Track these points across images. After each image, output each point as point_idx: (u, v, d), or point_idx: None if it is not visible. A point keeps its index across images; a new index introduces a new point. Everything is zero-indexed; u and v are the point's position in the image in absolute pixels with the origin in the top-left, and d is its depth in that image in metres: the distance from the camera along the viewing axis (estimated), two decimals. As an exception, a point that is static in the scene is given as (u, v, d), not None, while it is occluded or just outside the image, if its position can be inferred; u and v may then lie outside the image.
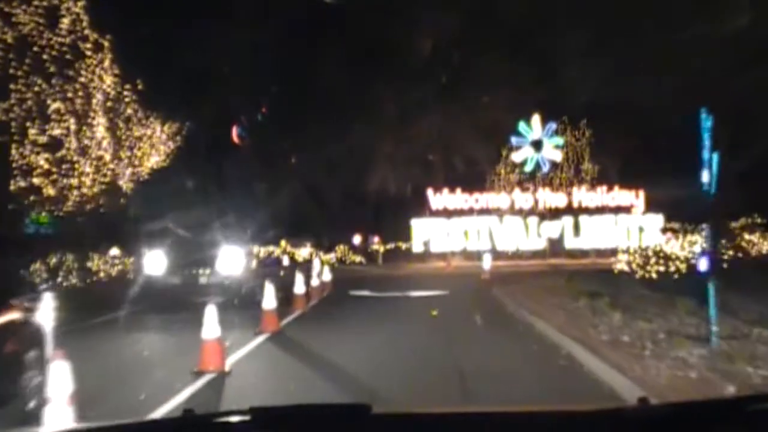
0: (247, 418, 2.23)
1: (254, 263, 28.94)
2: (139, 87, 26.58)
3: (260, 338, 11.76)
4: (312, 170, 40.10)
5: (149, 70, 29.38)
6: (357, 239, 42.36)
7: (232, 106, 42.24)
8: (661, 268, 21.04)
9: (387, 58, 35.64)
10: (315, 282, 19.77)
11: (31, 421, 6.01)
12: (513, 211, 35.79)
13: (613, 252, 35.56)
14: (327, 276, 22.58)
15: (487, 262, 26.82)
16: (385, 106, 36.51)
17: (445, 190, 35.34)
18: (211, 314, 9.03)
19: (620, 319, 11.84)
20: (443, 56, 36.03)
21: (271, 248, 45.11)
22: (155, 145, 27.40)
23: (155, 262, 19.55)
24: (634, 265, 21.43)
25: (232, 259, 19.95)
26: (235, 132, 45.40)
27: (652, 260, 21.86)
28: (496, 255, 35.06)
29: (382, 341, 11.63)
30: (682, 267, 20.53)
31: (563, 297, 16.09)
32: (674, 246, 22.53)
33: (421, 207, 35.75)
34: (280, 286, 14.33)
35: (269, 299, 12.58)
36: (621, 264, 21.46)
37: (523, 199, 35.73)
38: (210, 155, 42.44)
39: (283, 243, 45.17)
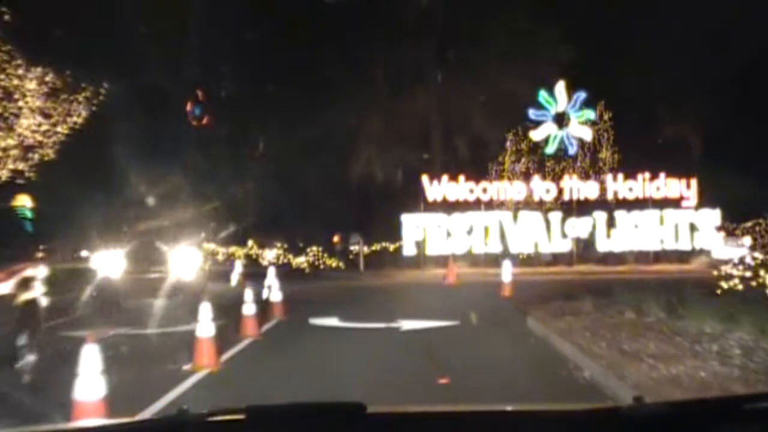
0: (242, 416, 2.23)
1: (208, 267, 22.73)
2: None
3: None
4: (284, 156, 32.62)
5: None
6: (336, 239, 34.87)
7: (187, 79, 34.95)
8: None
9: (372, 14, 28.25)
10: (248, 308, 12.34)
11: None
12: (531, 204, 28.33)
13: (656, 256, 28.41)
14: (276, 295, 15.35)
15: (507, 273, 19.42)
16: (371, 74, 28.99)
17: (445, 178, 27.85)
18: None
19: None
20: (442, 10, 28.65)
21: (233, 249, 37.73)
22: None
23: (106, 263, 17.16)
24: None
25: (184, 262, 17.81)
26: (189, 110, 38.30)
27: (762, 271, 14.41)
28: (509, 258, 27.69)
29: None
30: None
31: (690, 345, 8.71)
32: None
33: (415, 199, 28.29)
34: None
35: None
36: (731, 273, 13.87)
37: (543, 188, 28.26)
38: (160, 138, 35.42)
39: (250, 242, 37.95)
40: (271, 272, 18.39)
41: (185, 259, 17.93)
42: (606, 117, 28.64)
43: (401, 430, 2.34)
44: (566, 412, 2.44)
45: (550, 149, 28.34)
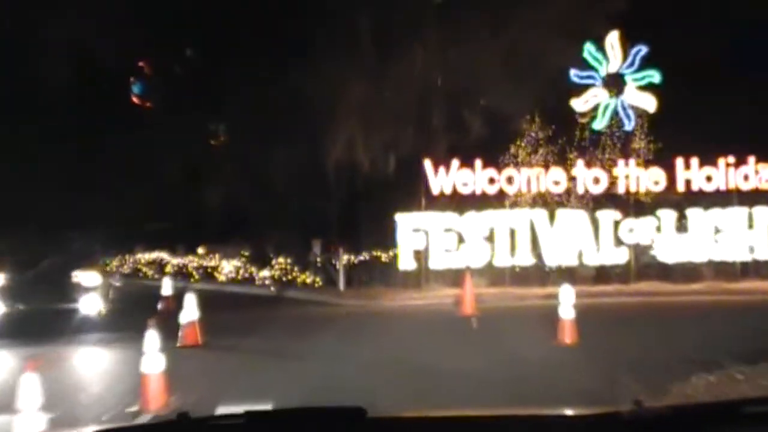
0: (242, 421, 2.24)
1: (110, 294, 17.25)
2: None
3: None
4: (250, 141, 25.11)
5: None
6: (317, 247, 27.24)
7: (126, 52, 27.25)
8: None
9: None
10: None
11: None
12: (574, 199, 20.77)
13: (744, 270, 20.80)
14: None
15: (567, 304, 11.94)
16: (352, 27, 21.38)
17: (455, 163, 20.24)
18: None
19: None
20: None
21: (177, 261, 30.23)
22: None
23: None
24: None
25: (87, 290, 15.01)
26: (132, 87, 31.22)
27: None
28: (544, 274, 20.18)
29: None
30: None
31: None
32: None
33: (413, 192, 20.74)
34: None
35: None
36: None
37: (590, 177, 20.65)
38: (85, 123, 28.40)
39: (200, 251, 30.58)
40: (190, 300, 12.75)
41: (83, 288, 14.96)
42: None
43: None
44: (567, 416, 2.39)
45: (599, 123, 20.70)
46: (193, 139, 27.96)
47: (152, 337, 8.20)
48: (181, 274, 29.22)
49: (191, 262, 29.69)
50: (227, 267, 27.33)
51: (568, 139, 21.08)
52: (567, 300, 11.91)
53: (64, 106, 28.33)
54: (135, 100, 30.66)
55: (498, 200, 20.51)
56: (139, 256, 32.74)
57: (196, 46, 28.67)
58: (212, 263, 28.62)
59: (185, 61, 29.20)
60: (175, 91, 29.03)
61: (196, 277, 28.38)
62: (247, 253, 29.21)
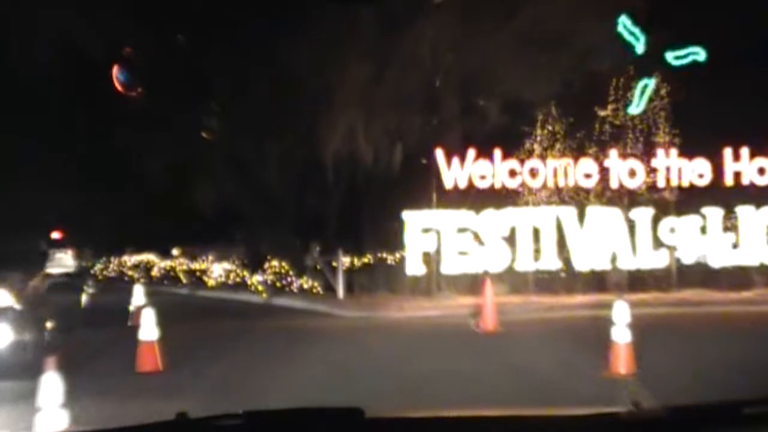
0: (240, 421, 2.24)
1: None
2: None
3: None
4: (239, 132, 22.59)
5: None
6: (315, 248, 24.70)
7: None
8: None
9: None
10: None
11: None
12: (607, 194, 18.22)
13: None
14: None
15: (622, 325, 9.37)
16: (354, 4, 18.83)
17: (472, 153, 17.66)
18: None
19: None
20: None
21: (165, 264, 27.94)
22: None
23: None
24: None
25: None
26: (116, 75, 28.64)
27: None
28: (572, 280, 17.68)
29: None
30: None
31: None
32: None
33: (423, 187, 18.20)
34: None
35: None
36: None
37: (624, 169, 18.06)
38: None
39: (175, 252, 28.45)
40: (148, 317, 10.26)
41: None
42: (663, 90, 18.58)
43: None
44: (566, 417, 2.37)
45: (635, 106, 18.10)
46: (181, 132, 25.48)
47: (51, 386, 5.69)
48: (169, 278, 26.88)
49: (181, 265, 27.31)
50: (217, 270, 24.91)
51: (587, 132, 18.52)
52: (622, 319, 9.37)
53: (40, 97, 26.19)
54: (119, 88, 28.18)
55: (520, 195, 17.95)
56: (125, 258, 30.36)
57: (185, 31, 26.20)
58: (203, 266, 26.27)
59: (173, 47, 26.71)
60: (162, 79, 26.58)
61: (184, 281, 26.00)
62: (241, 256, 26.95)
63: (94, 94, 26.82)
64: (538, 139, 18.80)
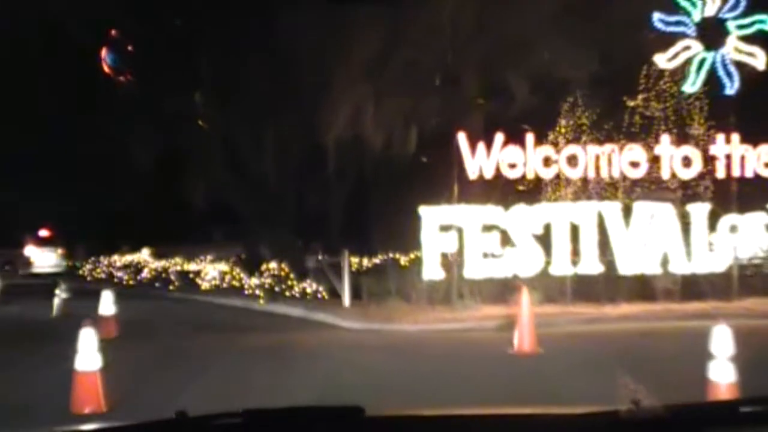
0: (240, 420, 2.21)
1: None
2: None
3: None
4: (230, 115, 20.17)
5: None
6: (318, 248, 22.19)
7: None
8: None
9: None
10: None
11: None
12: (657, 186, 15.62)
13: None
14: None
15: (723, 358, 6.76)
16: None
17: (500, 138, 15.06)
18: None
19: None
20: None
21: (158, 264, 25.67)
22: None
23: None
24: None
25: None
26: (104, 59, 26.82)
27: None
28: (613, 286, 15.13)
29: None
30: None
31: None
32: None
33: (442, 178, 15.67)
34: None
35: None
36: None
37: (678, 157, 15.44)
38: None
39: (145, 252, 26.46)
40: (88, 339, 8.03)
41: None
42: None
43: None
44: (564, 415, 2.36)
45: (691, 84, 15.44)
46: (171, 119, 23.11)
47: None
48: (161, 279, 24.49)
49: (176, 265, 24.93)
50: (212, 272, 22.48)
51: (616, 124, 15.99)
52: (723, 350, 6.81)
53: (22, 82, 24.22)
54: (107, 71, 25.88)
55: (554, 187, 15.39)
56: (114, 258, 27.99)
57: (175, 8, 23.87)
58: (200, 266, 23.91)
59: (160, 24, 24.40)
60: (150, 58, 24.25)
61: (176, 284, 23.60)
62: (242, 256, 24.65)
63: (81, 81, 24.80)
64: (562, 131, 16.24)
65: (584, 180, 15.51)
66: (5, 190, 26.56)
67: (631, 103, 16.18)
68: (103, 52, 26.58)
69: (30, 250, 29.93)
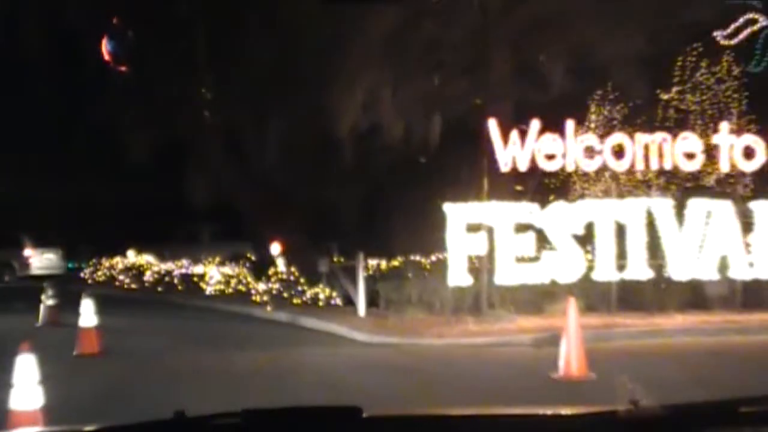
0: (238, 420, 2.19)
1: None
2: None
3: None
4: (235, 103, 18.59)
5: None
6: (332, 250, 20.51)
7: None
8: None
9: None
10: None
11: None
12: (718, 180, 13.80)
13: None
14: None
15: None
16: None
17: (536, 125, 13.25)
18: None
19: None
20: None
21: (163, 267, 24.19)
22: None
23: None
24: None
25: None
26: (105, 47, 25.53)
27: None
28: (662, 293, 13.28)
29: None
30: None
31: None
32: None
33: (468, 172, 13.93)
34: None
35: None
36: None
37: (739, 147, 13.57)
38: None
39: (130, 253, 25.78)
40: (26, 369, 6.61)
41: None
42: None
43: None
44: (562, 416, 2.33)
45: (757, 63, 13.60)
46: (172, 109, 21.61)
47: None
48: (164, 283, 22.99)
49: (181, 268, 23.40)
50: (216, 276, 20.91)
51: (650, 118, 14.30)
52: None
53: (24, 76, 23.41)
54: (107, 58, 24.52)
55: (597, 181, 13.62)
56: (116, 260, 26.45)
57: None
58: (206, 268, 22.36)
59: (162, 9, 23.01)
60: (153, 46, 22.83)
61: (179, 288, 22.10)
62: (250, 256, 23.15)
63: (82, 70, 23.67)
64: (593, 125, 14.52)
65: (630, 172, 13.73)
66: (5, 190, 25.69)
67: (665, 97, 14.57)
68: (104, 40, 25.29)
69: (29, 252, 28.53)
